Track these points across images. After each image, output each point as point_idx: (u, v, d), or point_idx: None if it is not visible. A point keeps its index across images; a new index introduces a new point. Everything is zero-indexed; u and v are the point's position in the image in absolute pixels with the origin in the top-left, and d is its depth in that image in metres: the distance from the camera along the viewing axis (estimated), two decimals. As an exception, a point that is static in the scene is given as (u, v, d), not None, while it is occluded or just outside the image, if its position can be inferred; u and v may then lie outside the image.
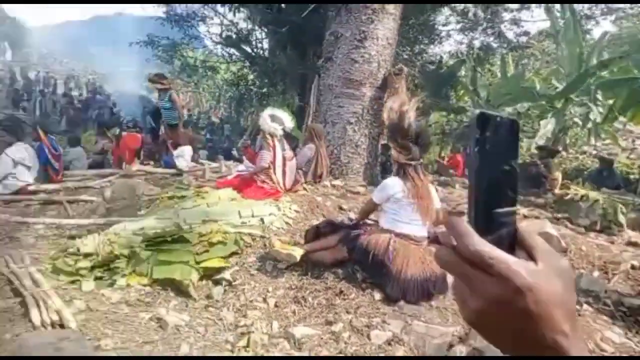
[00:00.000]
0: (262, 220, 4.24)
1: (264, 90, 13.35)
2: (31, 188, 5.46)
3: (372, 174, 6.71)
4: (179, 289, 3.37)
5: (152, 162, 7.16)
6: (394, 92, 6.17)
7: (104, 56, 43.93)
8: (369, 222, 3.76)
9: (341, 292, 3.21)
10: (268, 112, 4.98)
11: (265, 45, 13.00)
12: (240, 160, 7.19)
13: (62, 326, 2.72)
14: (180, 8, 12.92)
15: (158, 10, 13.46)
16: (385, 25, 6.55)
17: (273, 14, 10.82)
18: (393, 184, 3.34)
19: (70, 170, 6.56)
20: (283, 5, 11.04)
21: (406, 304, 3.07)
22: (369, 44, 6.48)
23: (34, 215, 4.83)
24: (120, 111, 16.17)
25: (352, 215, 4.35)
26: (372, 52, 6.50)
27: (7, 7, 57.11)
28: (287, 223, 4.36)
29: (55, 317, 2.75)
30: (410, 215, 3.32)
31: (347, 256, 3.42)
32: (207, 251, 3.60)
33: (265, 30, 12.45)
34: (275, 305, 3.20)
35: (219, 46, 14.21)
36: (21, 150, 5.48)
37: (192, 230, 3.79)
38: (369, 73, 6.50)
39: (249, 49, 12.87)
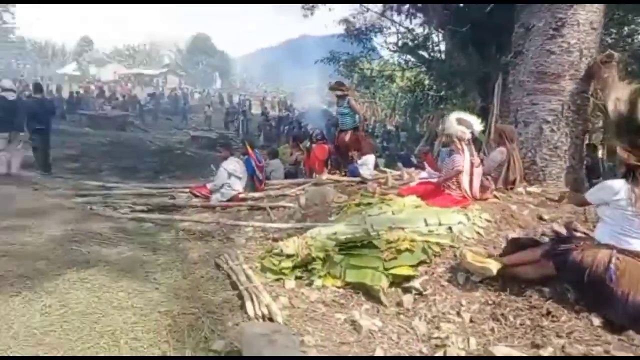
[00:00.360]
0: (450, 229, 4.08)
1: (442, 93, 12.98)
2: (241, 196, 6.33)
3: (576, 179, 5.85)
4: (369, 293, 3.43)
5: (338, 171, 7.58)
6: (604, 84, 5.30)
7: (291, 76, 48.77)
8: (579, 234, 3.28)
9: (549, 313, 2.85)
10: (455, 115, 4.83)
11: (442, 47, 12.67)
12: (420, 167, 7.09)
13: (270, 319, 3.03)
14: (359, 22, 13.52)
15: (339, 27, 14.34)
16: (588, 8, 5.70)
17: (451, 14, 10.45)
18: (617, 188, 2.82)
19: (270, 180, 7.38)
20: (461, 4, 10.60)
21: (637, 335, 2.55)
22: (568, 32, 5.71)
23: (244, 219, 5.55)
24: (307, 125, 17.67)
25: (556, 227, 3.86)
26: (572, 40, 5.71)
27: (216, 42, 68.72)
28: (477, 233, 4.10)
29: (265, 311, 3.08)
30: (638, 228, 2.77)
31: (555, 273, 3.02)
32: (395, 258, 3.60)
33: (442, 32, 12.12)
34: (471, 321, 3.01)
35: (395, 55, 14.40)
36: (234, 163, 6.42)
37: (379, 237, 3.84)
38: (569, 64, 5.73)
39: (425, 54, 12.71)
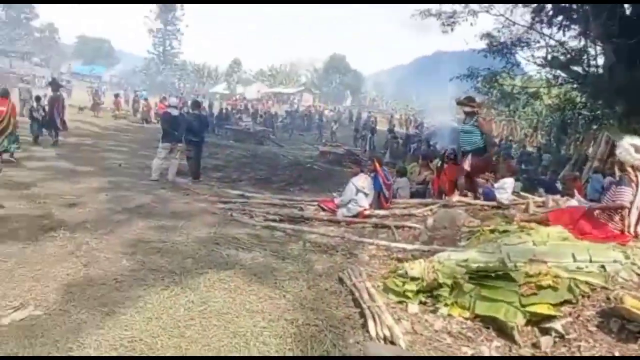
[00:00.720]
0: (603, 267, 3.57)
1: (597, 113, 11.53)
2: (367, 212, 6.34)
3: None
4: (501, 329, 3.18)
5: (470, 194, 7.13)
6: None
7: (422, 93, 48.12)
8: None
9: None
10: (628, 140, 4.22)
11: (600, 62, 11.28)
12: (569, 194, 6.34)
13: (392, 343, 2.95)
14: (503, 36, 12.77)
15: (481, 42, 13.68)
16: None
17: (615, 24, 9.24)
18: None
19: (396, 199, 7.27)
20: (627, 12, 9.34)
21: None
22: None
23: (369, 236, 5.54)
24: (436, 143, 17.11)
25: None
26: None
27: (350, 60, 71.08)
28: (638, 275, 3.52)
29: (387, 333, 3.01)
30: None
31: None
32: (534, 294, 3.28)
33: (601, 45, 10.80)
34: (627, 376, 2.58)
35: (543, 70, 13.24)
36: (362, 180, 6.49)
37: (517, 269, 3.52)
38: None
39: (579, 69, 11.44)
